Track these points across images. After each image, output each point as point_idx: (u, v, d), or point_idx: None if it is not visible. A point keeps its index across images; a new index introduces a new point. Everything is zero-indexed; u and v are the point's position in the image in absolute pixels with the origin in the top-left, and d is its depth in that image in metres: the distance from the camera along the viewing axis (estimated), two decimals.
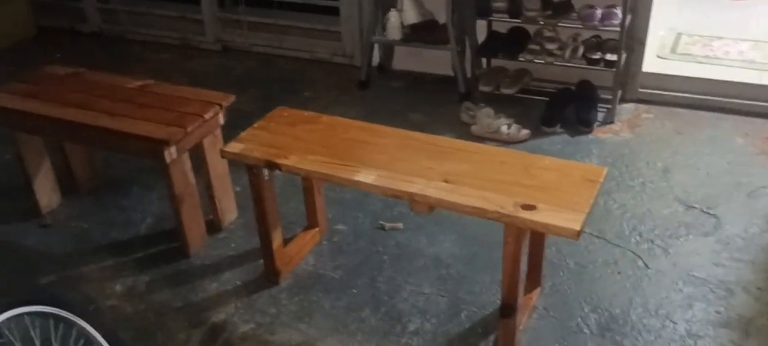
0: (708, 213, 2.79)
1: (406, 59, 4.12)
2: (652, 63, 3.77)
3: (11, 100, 2.72)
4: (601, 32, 3.47)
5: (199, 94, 2.68)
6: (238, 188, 2.94)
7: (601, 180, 2.02)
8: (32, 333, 1.92)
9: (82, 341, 1.97)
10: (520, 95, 3.68)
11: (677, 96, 3.61)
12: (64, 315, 1.95)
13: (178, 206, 2.56)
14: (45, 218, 2.96)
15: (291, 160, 2.21)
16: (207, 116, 2.53)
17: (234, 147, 2.30)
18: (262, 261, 2.58)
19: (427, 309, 2.41)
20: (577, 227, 1.83)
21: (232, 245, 2.76)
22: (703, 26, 4.29)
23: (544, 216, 1.88)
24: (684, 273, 2.49)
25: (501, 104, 3.58)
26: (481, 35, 3.75)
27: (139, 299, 2.52)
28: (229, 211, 2.85)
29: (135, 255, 2.74)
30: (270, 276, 2.55)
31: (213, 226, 2.81)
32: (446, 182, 2.06)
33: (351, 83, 4.02)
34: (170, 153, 2.42)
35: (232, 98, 2.66)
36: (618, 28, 3.27)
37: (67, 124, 2.58)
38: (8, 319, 1.80)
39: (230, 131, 2.60)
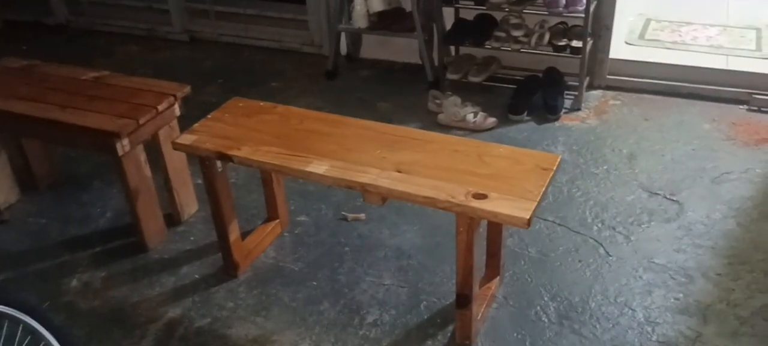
0: (671, 199, 2.78)
1: (375, 48, 4.09)
2: (620, 49, 3.76)
3: None
4: (566, 18, 3.44)
5: (153, 86, 2.63)
6: (198, 181, 2.89)
7: (554, 168, 2.00)
8: None
9: (28, 338, 1.93)
10: (488, 83, 3.65)
11: (645, 82, 3.60)
12: (9, 312, 1.90)
13: (133, 200, 2.52)
14: (2, 214, 2.91)
15: (243, 152, 2.17)
16: (160, 108, 2.49)
17: (186, 139, 2.25)
18: (220, 254, 2.55)
19: (386, 301, 2.39)
20: (527, 216, 1.81)
21: (192, 239, 2.72)
22: (672, 12, 4.28)
23: (494, 205, 1.86)
24: (644, 260, 2.48)
25: (469, 92, 3.56)
26: (449, 23, 3.71)
27: (95, 295, 2.48)
28: (189, 204, 2.81)
29: (92, 250, 2.69)
30: (228, 270, 2.52)
31: (172, 219, 2.77)
32: (399, 171, 2.03)
33: (319, 73, 3.98)
34: (122, 146, 2.37)
35: (187, 89, 2.61)
36: (583, 14, 3.25)
37: (19, 118, 2.52)
38: None
39: (193, 123, 2.56)
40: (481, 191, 1.91)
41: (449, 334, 2.24)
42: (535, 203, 1.86)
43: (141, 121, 2.41)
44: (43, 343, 1.93)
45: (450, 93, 3.50)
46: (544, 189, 1.92)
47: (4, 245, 2.75)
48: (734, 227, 2.61)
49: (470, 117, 3.35)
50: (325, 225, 2.77)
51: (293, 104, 2.50)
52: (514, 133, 3.31)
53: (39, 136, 2.83)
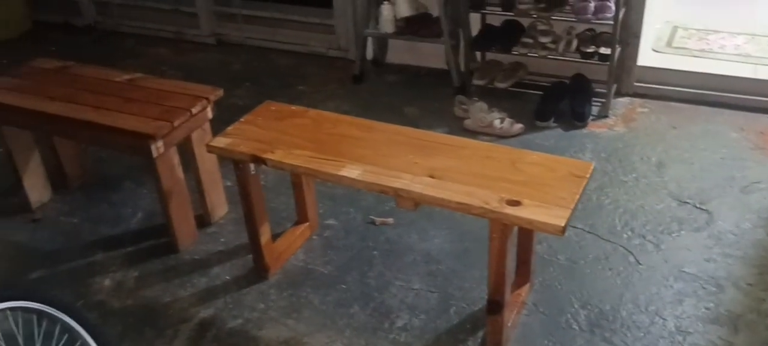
0: (701, 208, 2.77)
1: (401, 53, 4.10)
2: (647, 57, 3.74)
3: None
4: (595, 25, 3.44)
5: (186, 89, 2.66)
6: (228, 183, 2.93)
7: (588, 176, 2.00)
8: (15, 329, 1.91)
9: (66, 337, 1.97)
10: (514, 89, 3.65)
11: (673, 90, 3.58)
12: (47, 311, 1.94)
13: (166, 202, 2.55)
14: (35, 213, 2.95)
15: (277, 155, 2.19)
16: (194, 110, 2.52)
17: (220, 141, 2.28)
18: (251, 256, 2.57)
19: (416, 305, 2.40)
20: (562, 223, 1.81)
21: (222, 240, 2.75)
22: (699, 19, 4.26)
23: (529, 212, 1.87)
24: (675, 269, 2.47)
25: (495, 98, 3.56)
26: (476, 29, 3.72)
27: (128, 295, 2.51)
28: (219, 206, 2.84)
29: (124, 250, 2.73)
30: (259, 271, 2.54)
31: (203, 221, 2.80)
32: (432, 177, 2.04)
33: (346, 77, 4.00)
34: (157, 148, 2.41)
35: (220, 92, 2.64)
36: (611, 21, 3.24)
37: (54, 119, 2.56)
38: None
39: (224, 126, 2.59)
40: (514, 198, 1.92)
41: (479, 340, 2.24)
42: (570, 211, 1.86)
43: (175, 124, 2.44)
44: (79, 342, 1.96)
45: (476, 98, 3.51)
46: (578, 197, 1.92)
47: (37, 244, 2.80)
48: (764, 236, 2.59)
49: (497, 123, 3.36)
50: (354, 229, 2.78)
51: (320, 108, 2.52)
52: (541, 140, 3.30)
53: (73, 137, 2.87)
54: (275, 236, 2.64)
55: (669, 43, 3.99)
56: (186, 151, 2.63)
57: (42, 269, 2.66)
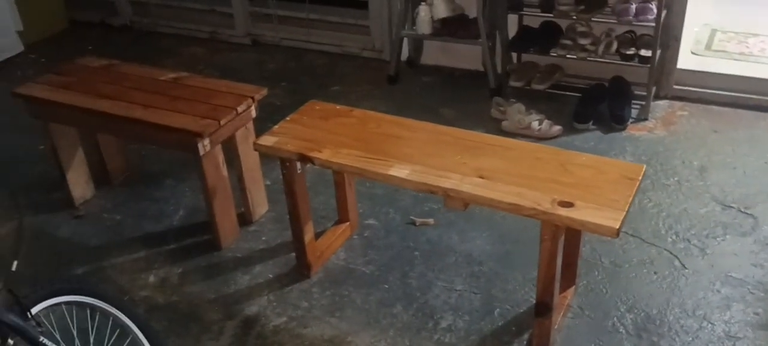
0: (746, 213, 2.73)
1: (436, 54, 4.10)
2: (686, 59, 3.70)
3: (46, 92, 2.75)
4: (635, 27, 3.41)
5: (231, 87, 2.68)
6: (268, 182, 2.95)
7: (640, 178, 1.98)
8: (69, 322, 1.94)
9: (117, 331, 1.99)
10: (551, 91, 3.63)
11: (713, 93, 3.54)
12: (100, 305, 1.97)
13: (210, 199, 2.57)
14: (78, 209, 2.99)
15: (324, 154, 2.20)
16: (240, 109, 2.53)
17: (267, 140, 2.30)
18: (293, 254, 2.59)
19: (459, 306, 2.40)
20: (616, 225, 1.80)
21: (263, 238, 2.77)
22: (738, 22, 4.21)
23: (582, 213, 1.85)
24: (721, 274, 2.44)
25: (532, 100, 3.54)
26: (512, 30, 3.71)
27: (172, 291, 2.53)
28: (260, 204, 2.85)
29: (167, 247, 2.75)
30: (302, 270, 2.56)
31: (244, 219, 2.82)
32: (481, 177, 2.04)
33: (380, 78, 4.01)
34: (204, 145, 2.43)
35: (264, 91, 2.66)
36: (653, 24, 3.21)
37: (102, 116, 2.60)
38: (46, 308, 1.82)
39: (261, 125, 2.61)
40: (566, 199, 1.91)
41: (525, 342, 2.24)
42: (624, 213, 1.85)
43: (222, 122, 2.46)
44: (130, 336, 1.99)
45: (514, 100, 3.50)
46: (631, 199, 1.91)
47: (80, 239, 2.83)
48: None
49: (535, 125, 3.34)
50: (394, 229, 2.78)
51: (356, 108, 2.52)
52: (579, 142, 3.28)
53: (118, 134, 2.90)
54: (316, 235, 2.65)
55: (708, 46, 3.95)
56: (229, 150, 2.65)
57: (86, 264, 2.69)
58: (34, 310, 1.77)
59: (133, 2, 4.85)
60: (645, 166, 2.06)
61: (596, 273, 2.48)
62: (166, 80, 2.77)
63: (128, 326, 1.99)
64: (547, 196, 1.93)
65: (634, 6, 3.25)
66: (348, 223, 2.73)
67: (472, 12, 3.68)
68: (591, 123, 3.40)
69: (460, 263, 2.58)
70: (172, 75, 2.81)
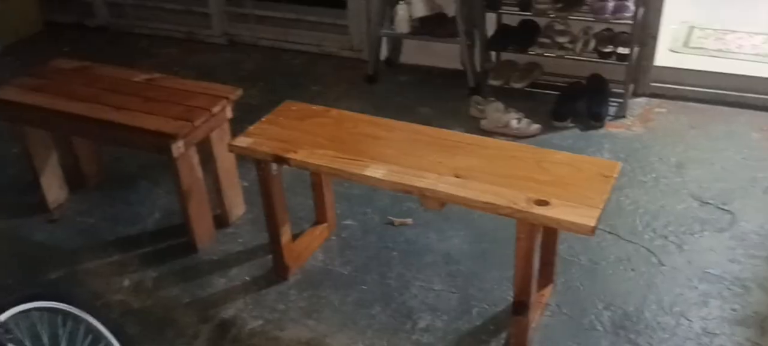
0: (723, 209, 2.74)
1: (415, 53, 4.08)
2: (664, 57, 3.72)
3: (19, 94, 2.70)
4: (612, 25, 3.42)
5: (206, 88, 2.65)
6: (245, 183, 2.92)
7: (616, 175, 1.98)
8: (40, 329, 1.91)
9: (90, 337, 1.96)
10: (530, 89, 3.63)
11: (690, 90, 3.56)
12: (72, 311, 1.93)
13: (185, 201, 2.54)
14: (52, 213, 2.95)
15: (300, 155, 2.18)
16: (214, 110, 2.50)
17: (242, 141, 2.27)
18: (270, 256, 2.56)
19: (437, 306, 2.38)
20: (592, 223, 1.79)
21: (240, 240, 2.74)
22: (715, 19, 4.23)
23: (557, 212, 1.85)
24: (699, 270, 2.45)
25: (511, 98, 3.54)
26: (491, 28, 3.71)
27: (147, 295, 2.50)
28: (237, 206, 2.82)
29: (142, 250, 2.72)
30: (278, 272, 2.53)
31: (220, 221, 2.79)
32: (457, 176, 2.03)
33: (359, 77, 3.99)
34: (178, 147, 2.40)
35: (239, 92, 2.63)
36: (630, 21, 3.22)
37: (75, 118, 2.55)
38: (16, 314, 1.78)
39: (238, 125, 2.58)
40: (542, 198, 1.90)
41: (503, 341, 2.23)
42: (600, 210, 1.85)
43: (196, 124, 2.43)
44: (103, 342, 1.96)
45: (492, 99, 3.49)
46: (606, 197, 1.90)
47: (54, 244, 2.79)
48: None
49: (514, 123, 3.34)
50: (372, 229, 2.77)
51: (334, 108, 2.50)
52: (558, 140, 3.28)
53: (92, 137, 2.86)
54: (293, 237, 2.63)
55: (686, 43, 3.97)
56: (205, 151, 2.62)
57: (60, 268, 2.65)
58: (3, 317, 1.73)
59: (109, 3, 4.78)
60: (621, 163, 2.06)
61: (574, 271, 2.48)
62: (140, 82, 2.74)
63: (100, 332, 1.96)
64: (523, 194, 1.92)
65: (611, 4, 3.26)
66: (326, 224, 2.71)
67: (451, 10, 3.67)
68: (569, 121, 3.40)
69: (438, 263, 2.57)
70: (146, 76, 2.77)
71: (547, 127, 3.37)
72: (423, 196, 2.03)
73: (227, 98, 2.57)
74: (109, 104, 2.55)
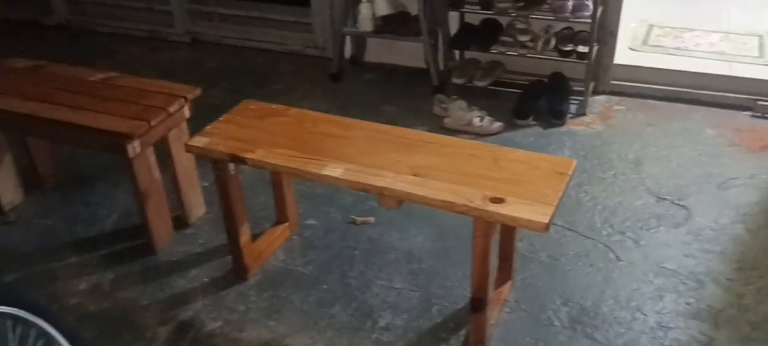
0: (679, 204, 2.79)
1: (379, 51, 4.08)
2: (623, 55, 3.78)
3: None
4: (572, 24, 3.46)
5: (163, 87, 2.62)
6: (205, 183, 2.89)
7: (571, 172, 2.00)
8: None
9: (41, 342, 1.92)
10: (493, 87, 3.66)
11: (649, 88, 3.62)
12: (21, 315, 1.88)
13: (143, 202, 2.51)
14: (8, 216, 2.88)
15: (257, 154, 2.16)
16: (171, 109, 2.47)
17: (199, 141, 2.24)
18: (230, 257, 2.54)
19: (398, 304, 2.39)
20: (546, 220, 1.81)
21: (200, 241, 2.71)
22: (674, 18, 4.31)
23: (512, 209, 1.86)
24: (655, 265, 2.49)
25: (474, 97, 3.56)
26: (454, 27, 3.72)
27: (104, 297, 2.46)
28: (197, 206, 2.80)
29: (100, 252, 2.67)
30: (238, 272, 2.51)
31: (180, 222, 2.76)
32: (415, 175, 2.03)
33: (323, 76, 3.98)
34: (133, 147, 2.36)
35: (197, 91, 2.60)
36: (589, 20, 3.26)
37: (28, 119, 2.50)
38: None
39: (200, 125, 2.53)
40: (498, 195, 1.91)
41: (462, 338, 2.24)
42: (554, 208, 1.86)
43: (152, 123, 2.40)
44: None
45: (456, 97, 3.51)
46: (561, 194, 1.92)
47: (9, 246, 2.73)
48: (742, 232, 2.63)
49: (476, 121, 3.36)
50: (334, 228, 2.76)
51: (297, 107, 2.49)
52: (520, 138, 3.31)
53: (47, 137, 2.80)
54: (254, 237, 2.61)
55: (645, 42, 4.04)
56: (163, 151, 2.59)
57: (15, 271, 2.59)
58: None
59: (68, 0, 4.70)
60: (576, 160, 2.08)
61: (533, 267, 2.50)
62: (96, 81, 2.69)
63: (53, 337, 1.92)
64: (480, 192, 1.93)
65: (570, 3, 3.29)
66: (287, 223, 2.70)
67: (414, 9, 3.68)
68: (531, 119, 3.43)
69: (399, 261, 2.57)
70: (101, 75, 2.72)
71: (510, 125, 3.40)
72: (381, 194, 2.03)
73: (185, 97, 2.54)
74: (63, 104, 2.50)
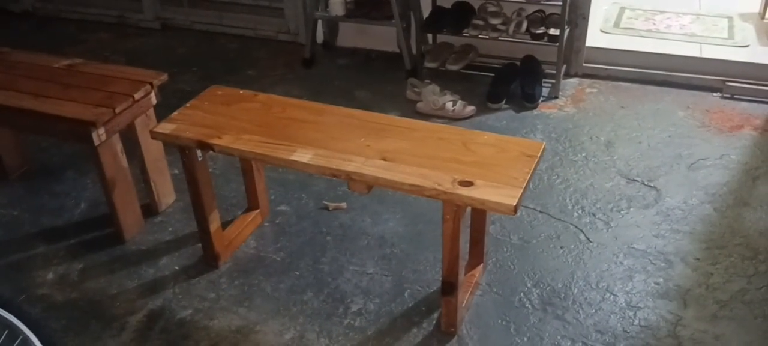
0: (649, 186, 2.81)
1: (352, 36, 4.06)
2: (595, 37, 3.79)
3: None
4: (544, 6, 3.46)
5: (129, 73, 2.57)
6: (175, 171, 2.85)
7: (539, 155, 2.00)
8: None
9: (6, 333, 1.88)
10: (465, 71, 3.65)
11: (621, 70, 3.63)
12: None
13: (109, 191, 2.47)
14: None
15: (224, 140, 2.13)
16: (137, 96, 2.43)
17: (165, 127, 2.21)
18: (200, 245, 2.51)
19: (370, 289, 2.38)
20: (514, 202, 1.81)
21: (170, 229, 2.68)
22: (645, 0, 4.32)
23: (481, 192, 1.86)
24: (624, 246, 2.50)
25: (447, 80, 3.55)
26: (426, 10, 3.70)
27: (72, 288, 2.42)
28: (167, 194, 2.76)
29: (68, 242, 2.63)
30: (209, 260, 2.49)
31: (150, 210, 2.72)
32: (384, 159, 2.02)
33: (296, 61, 3.94)
34: (98, 135, 2.32)
35: (163, 77, 2.56)
36: (560, 2, 3.26)
37: None
38: None
39: (170, 113, 2.51)
40: (467, 179, 1.91)
41: (434, 321, 2.24)
42: (521, 190, 1.86)
43: (117, 110, 2.36)
44: (20, 338, 1.88)
45: (429, 81, 3.50)
46: (529, 176, 1.92)
47: None
48: (711, 212, 2.65)
49: (449, 105, 3.35)
50: (307, 214, 2.74)
51: (270, 92, 2.46)
52: (492, 122, 3.31)
53: (10, 125, 2.75)
54: (225, 224, 2.59)
55: (617, 24, 4.05)
56: (130, 139, 2.55)
57: None
58: None
59: None
60: (544, 143, 2.08)
61: (505, 250, 2.51)
62: (60, 68, 2.64)
63: (17, 328, 1.88)
64: (449, 176, 1.92)
65: None
66: (258, 210, 2.68)
67: None
68: (504, 102, 3.43)
69: (372, 246, 2.57)
70: (66, 62, 2.67)
71: (483, 109, 3.40)
72: (350, 179, 2.01)
73: (151, 83, 2.50)
74: (26, 91, 2.45)
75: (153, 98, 2.53)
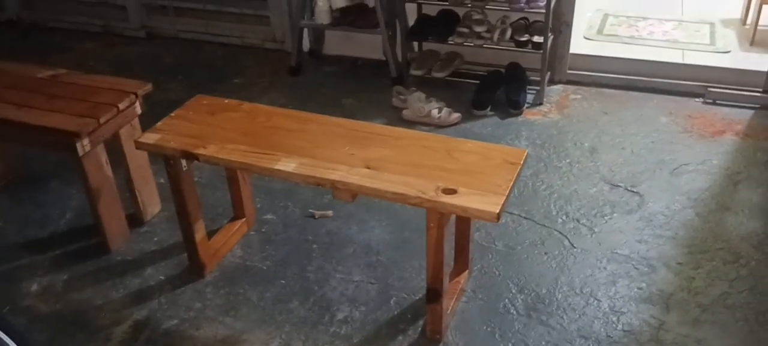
0: (632, 191, 2.84)
1: (339, 43, 4.07)
2: (579, 44, 3.82)
3: None
4: (528, 14, 3.48)
5: (113, 83, 2.57)
6: (161, 180, 2.85)
7: (522, 162, 2.02)
8: None
9: None
10: (451, 79, 3.67)
11: (604, 77, 3.67)
12: None
13: (95, 201, 2.46)
14: None
15: (209, 150, 2.14)
16: (122, 106, 2.43)
17: (149, 137, 2.21)
18: (186, 255, 2.51)
19: (356, 297, 2.39)
20: (497, 210, 1.82)
21: (156, 239, 2.67)
22: (628, 7, 4.37)
23: (464, 200, 1.87)
24: (608, 251, 2.52)
25: (433, 88, 3.57)
26: (412, 18, 3.72)
27: (56, 299, 2.41)
28: (152, 204, 2.76)
29: (52, 253, 2.62)
30: (194, 270, 2.48)
31: (135, 220, 2.72)
32: (368, 168, 2.03)
33: (282, 69, 3.95)
34: (83, 146, 2.32)
35: (148, 86, 2.56)
36: (544, 10, 3.29)
37: None
38: None
39: (156, 122, 2.51)
40: (450, 186, 1.92)
41: (420, 329, 2.25)
42: (504, 197, 1.87)
43: (102, 120, 2.36)
44: None
45: (414, 89, 3.51)
46: (512, 183, 1.94)
47: None
48: (693, 217, 2.68)
49: (435, 113, 3.37)
50: (293, 223, 2.75)
51: (257, 101, 2.47)
52: (478, 129, 3.33)
53: None
54: (211, 233, 2.59)
55: (600, 31, 4.09)
56: (115, 149, 2.54)
57: None
58: None
59: None
60: (527, 150, 2.10)
61: (490, 256, 2.52)
62: (44, 78, 2.63)
63: (2, 340, 1.88)
64: (432, 184, 1.94)
65: None
66: (244, 219, 2.68)
67: (371, 1, 3.67)
68: (489, 109, 3.45)
69: (358, 254, 2.57)
70: (50, 72, 2.66)
71: (468, 116, 3.42)
72: (334, 188, 2.02)
73: (135, 93, 2.50)
74: (9, 102, 2.44)
75: (138, 108, 2.53)
